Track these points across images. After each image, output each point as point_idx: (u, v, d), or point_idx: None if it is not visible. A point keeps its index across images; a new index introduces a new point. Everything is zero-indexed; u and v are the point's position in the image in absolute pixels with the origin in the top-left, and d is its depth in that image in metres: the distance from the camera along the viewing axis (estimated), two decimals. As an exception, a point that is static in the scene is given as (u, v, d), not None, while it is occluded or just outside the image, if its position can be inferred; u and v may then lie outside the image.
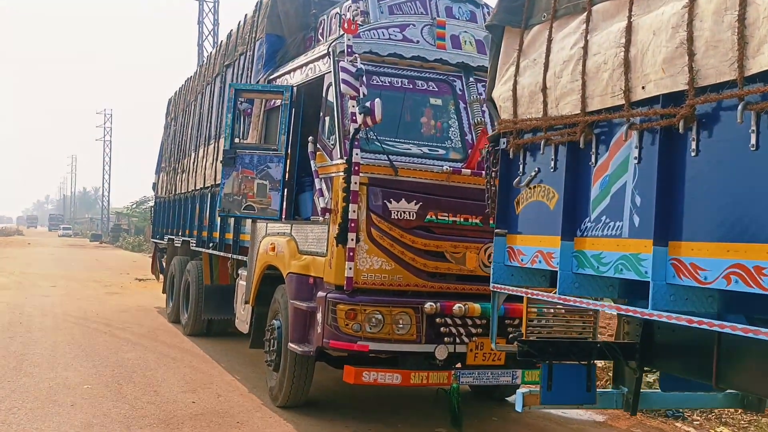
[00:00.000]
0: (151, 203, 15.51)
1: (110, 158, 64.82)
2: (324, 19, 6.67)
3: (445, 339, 5.20)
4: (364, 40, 5.69)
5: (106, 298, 14.27)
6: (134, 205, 49.98)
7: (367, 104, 5.06)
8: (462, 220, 5.43)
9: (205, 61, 10.74)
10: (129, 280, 18.87)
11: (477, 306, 5.22)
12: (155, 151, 14.29)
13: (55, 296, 14.26)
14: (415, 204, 5.31)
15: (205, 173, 9.24)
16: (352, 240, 5.15)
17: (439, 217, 5.36)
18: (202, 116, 9.95)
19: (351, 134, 5.20)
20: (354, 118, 5.25)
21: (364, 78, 5.27)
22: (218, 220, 8.55)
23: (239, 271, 7.72)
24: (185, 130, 11.27)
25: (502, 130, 3.81)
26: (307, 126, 6.37)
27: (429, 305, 5.14)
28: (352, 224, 5.15)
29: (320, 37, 6.73)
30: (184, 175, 10.82)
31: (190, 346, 9.00)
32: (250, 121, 6.93)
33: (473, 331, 5.27)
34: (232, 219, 7.85)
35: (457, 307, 5.18)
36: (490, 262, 5.44)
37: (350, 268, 5.14)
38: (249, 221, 7.16)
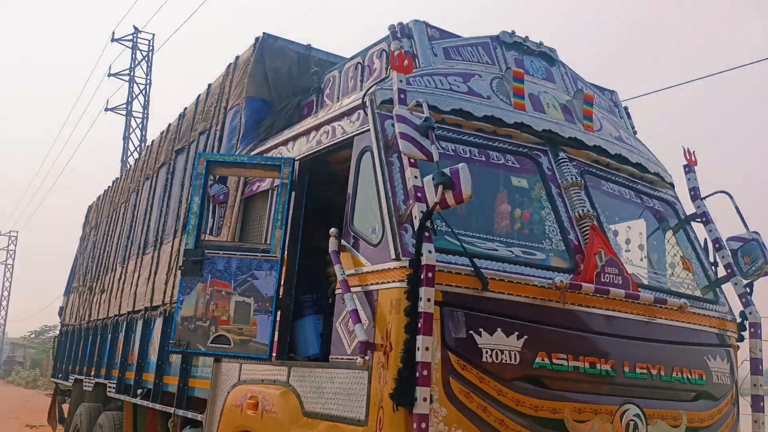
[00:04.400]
0: (54, 333, 12.63)
1: (11, 284, 59.34)
2: (335, 76, 4.77)
3: None
4: (416, 88, 3.80)
5: (-19, 458, 11.00)
6: (33, 335, 44.72)
7: (445, 171, 3.08)
8: (587, 366, 3.36)
9: (143, 153, 8.58)
10: (17, 428, 15.28)
11: None
12: (64, 274, 11.69)
13: None
14: (518, 338, 3.22)
15: (136, 292, 6.85)
16: (425, 400, 2.95)
17: (554, 361, 3.28)
18: (136, 219, 7.66)
19: (419, 220, 3.16)
20: (420, 194, 3.23)
21: (433, 134, 3.32)
22: (152, 357, 6.11)
23: (185, 435, 5.23)
24: (110, 240, 8.89)
25: None
26: (311, 218, 4.30)
27: None
28: (424, 372, 2.97)
29: (327, 100, 4.80)
30: (104, 295, 8.32)
31: None
32: (222, 214, 4.78)
33: None
34: (177, 356, 5.46)
35: None
36: (629, 436, 3.41)
37: (422, 452, 2.90)
38: (208, 360, 4.82)
